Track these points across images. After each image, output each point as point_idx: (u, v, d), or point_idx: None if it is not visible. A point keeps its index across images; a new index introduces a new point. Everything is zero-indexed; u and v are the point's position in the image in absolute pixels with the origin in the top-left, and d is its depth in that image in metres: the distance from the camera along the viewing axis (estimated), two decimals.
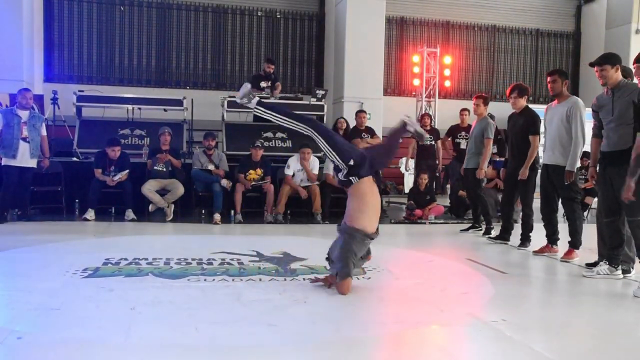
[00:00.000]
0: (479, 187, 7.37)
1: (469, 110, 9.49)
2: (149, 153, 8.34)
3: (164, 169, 8.07)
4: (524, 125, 6.33)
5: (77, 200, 8.12)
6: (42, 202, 8.11)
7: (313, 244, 6.56)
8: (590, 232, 5.64)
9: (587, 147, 5.53)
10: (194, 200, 8.36)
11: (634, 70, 4.90)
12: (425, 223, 8.50)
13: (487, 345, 3.26)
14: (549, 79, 5.88)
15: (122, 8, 13.11)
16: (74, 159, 8.64)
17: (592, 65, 4.95)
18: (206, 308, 3.77)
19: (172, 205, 8.03)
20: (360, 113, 9.72)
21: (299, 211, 8.49)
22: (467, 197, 8.04)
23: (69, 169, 8.29)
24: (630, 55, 13.89)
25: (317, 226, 7.94)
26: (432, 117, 12.13)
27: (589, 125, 5.46)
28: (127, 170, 7.87)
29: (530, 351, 3.12)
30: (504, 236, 6.71)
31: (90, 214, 7.64)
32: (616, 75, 4.78)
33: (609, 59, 4.82)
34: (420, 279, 4.83)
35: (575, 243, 5.73)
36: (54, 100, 10.10)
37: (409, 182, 11.65)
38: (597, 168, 5.03)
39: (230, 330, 3.32)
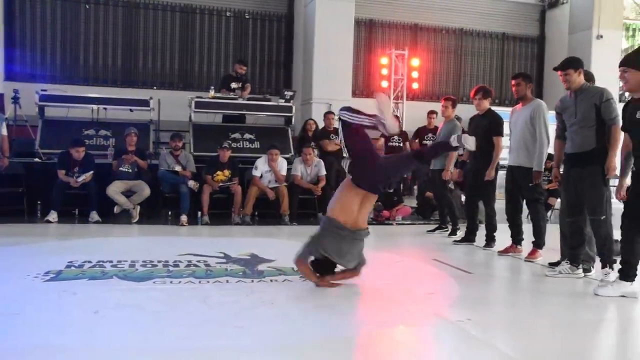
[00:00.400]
0: (445, 189, 7.45)
1: (436, 113, 9.59)
2: (115, 154, 8.21)
3: (130, 170, 7.96)
4: (488, 127, 6.43)
5: (39, 202, 7.93)
6: (3, 204, 7.88)
7: (281, 245, 6.55)
8: (553, 232, 5.75)
9: (551, 149, 5.64)
10: (161, 201, 8.26)
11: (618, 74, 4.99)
12: (392, 224, 8.56)
13: (452, 344, 3.30)
14: (513, 82, 5.98)
15: (87, 6, 12.86)
16: (36, 159, 8.44)
17: (555, 69, 5.06)
18: (172, 310, 3.72)
19: (138, 207, 7.91)
20: (328, 114, 9.75)
21: (266, 212, 8.45)
22: (434, 199, 8.11)
23: (30, 170, 8.10)
24: (592, 60, 14.29)
25: (285, 227, 7.92)
26: (400, 119, 12.24)
27: (553, 127, 5.57)
28: (92, 172, 7.73)
29: (495, 350, 3.16)
30: (469, 237, 6.79)
31: (53, 215, 7.47)
32: (579, 79, 4.89)
33: (572, 63, 4.93)
34: (387, 279, 4.86)
35: (539, 243, 5.84)
36: (15, 100, 9.84)
37: None
38: (562, 169, 5.13)
39: (197, 332, 3.29)
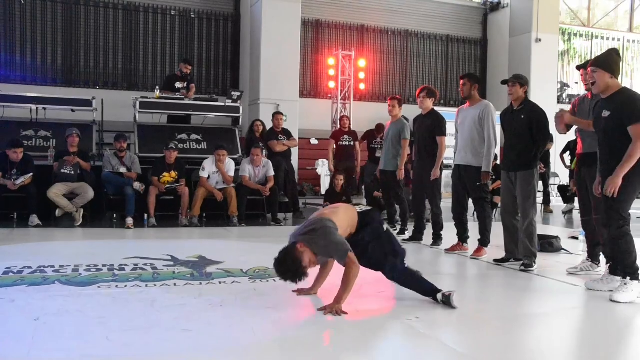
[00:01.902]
0: (400, 189, 7.46)
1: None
2: (56, 155, 7.93)
3: (72, 172, 7.70)
4: (432, 127, 6.55)
5: None
6: None
7: (229, 247, 6.49)
8: (497, 230, 5.90)
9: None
10: (105, 204, 8.04)
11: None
12: None
13: (401, 342, 3.34)
14: (461, 82, 6.10)
15: (22, 1, 12.38)
16: None
17: (577, 68, 5.03)
18: (118, 316, 3.62)
19: (82, 210, 7.68)
20: (276, 115, 9.70)
21: (214, 214, 8.35)
22: (384, 199, 8.13)
23: None
24: (531, 62, 14.81)
25: (233, 229, 7.85)
26: (349, 119, 12.31)
27: (499, 128, 5.70)
28: (31, 174, 7.45)
29: (443, 347, 3.22)
30: (417, 236, 6.89)
31: None
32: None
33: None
34: (335, 279, 4.86)
35: (484, 241, 5.97)
36: None
37: (325, 184, 11.76)
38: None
39: (144, 337, 3.21)
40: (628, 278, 4.17)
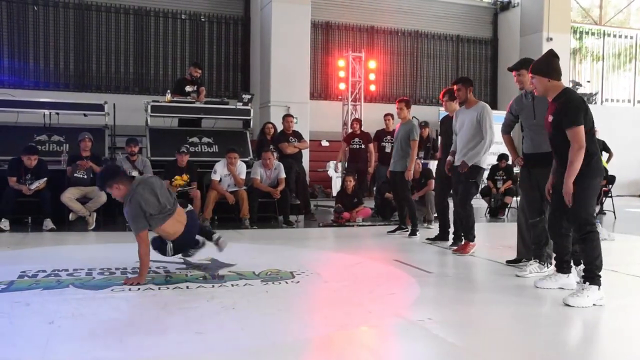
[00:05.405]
0: (407, 190, 7.45)
1: (392, 115, 9.68)
2: (69, 160, 8.00)
3: (85, 176, 7.76)
4: None
5: None
6: None
7: (241, 249, 6.50)
8: (510, 231, 5.86)
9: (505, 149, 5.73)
10: (118, 208, 8.08)
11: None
12: (353, 226, 8.60)
13: (413, 344, 3.33)
14: (455, 88, 6.16)
15: (35, 8, 12.51)
16: None
17: (510, 70, 5.13)
18: (131, 318, 3.66)
19: (94, 214, 7.73)
20: (287, 117, 9.72)
21: (226, 217, 8.38)
22: (394, 200, 8.14)
23: None
24: None
25: (245, 231, 7.87)
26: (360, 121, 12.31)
27: (498, 127, 5.69)
28: (45, 179, 7.52)
29: (455, 348, 3.21)
30: (444, 235, 6.83)
31: (5, 224, 7.23)
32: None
33: (526, 64, 4.92)
34: (348, 281, 4.87)
35: (470, 237, 6.03)
36: None
37: (336, 185, 11.77)
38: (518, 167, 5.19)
39: (157, 340, 3.23)
40: (587, 283, 4.06)
